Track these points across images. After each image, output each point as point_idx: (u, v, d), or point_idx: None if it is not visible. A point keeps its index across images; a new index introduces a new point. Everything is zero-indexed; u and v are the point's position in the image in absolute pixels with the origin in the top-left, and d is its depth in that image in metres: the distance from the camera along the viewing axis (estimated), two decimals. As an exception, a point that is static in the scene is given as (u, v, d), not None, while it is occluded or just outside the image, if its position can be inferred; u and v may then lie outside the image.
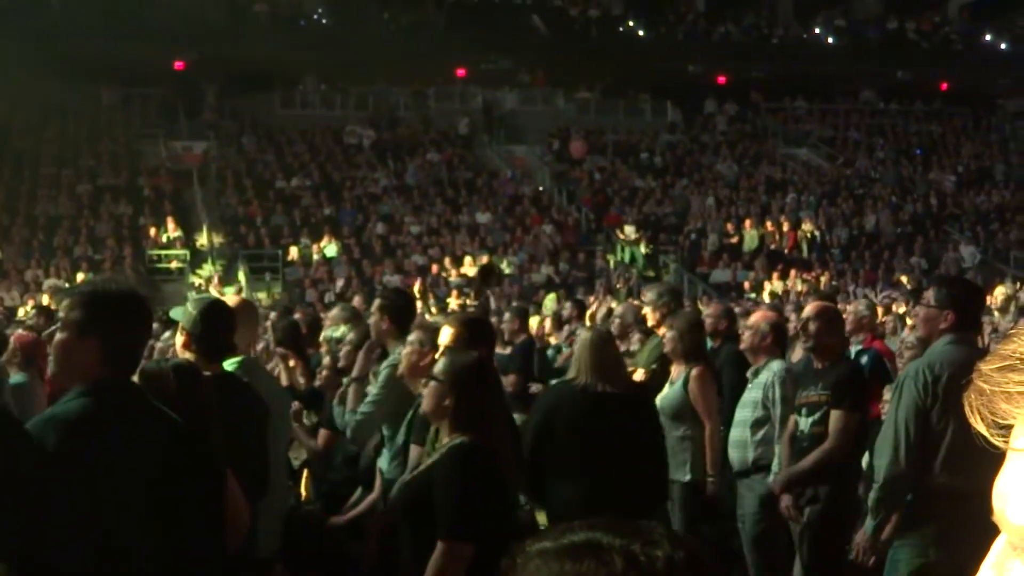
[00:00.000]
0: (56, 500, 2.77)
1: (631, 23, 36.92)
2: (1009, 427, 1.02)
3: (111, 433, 2.96)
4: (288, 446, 5.88)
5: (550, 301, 19.84)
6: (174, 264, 25.47)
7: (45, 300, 18.73)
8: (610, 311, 11.80)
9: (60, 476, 2.82)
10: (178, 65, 32.53)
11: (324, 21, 34.78)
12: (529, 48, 34.74)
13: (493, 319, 9.33)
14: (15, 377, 6.99)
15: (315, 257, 25.46)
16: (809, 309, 6.16)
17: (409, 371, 5.10)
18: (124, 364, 3.10)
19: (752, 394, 6.23)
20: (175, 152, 30.85)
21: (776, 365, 6.19)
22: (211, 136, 31.35)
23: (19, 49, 27.02)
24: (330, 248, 25.77)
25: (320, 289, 23.53)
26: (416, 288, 21.11)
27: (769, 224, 28.39)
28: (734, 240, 27.77)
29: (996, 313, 9.63)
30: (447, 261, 25.34)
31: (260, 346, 8.20)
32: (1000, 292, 9.96)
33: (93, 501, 2.81)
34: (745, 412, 6.23)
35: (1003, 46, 38.00)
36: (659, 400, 6.61)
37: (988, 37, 38.41)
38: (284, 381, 6.89)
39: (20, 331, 8.06)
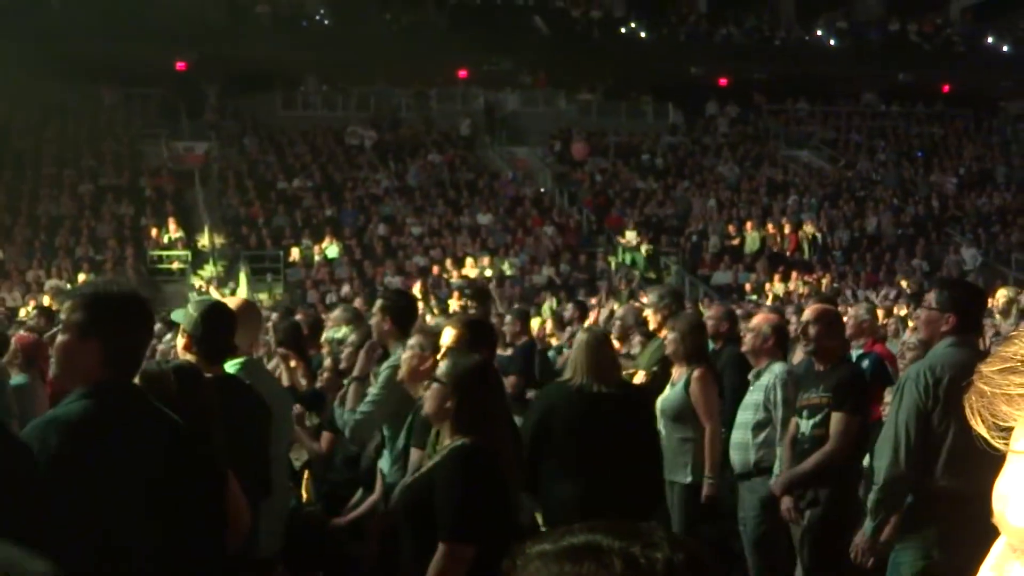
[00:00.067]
0: (57, 501, 2.77)
1: (633, 24, 36.94)
2: (1009, 429, 1.02)
3: (112, 435, 2.96)
4: (289, 447, 5.88)
5: (548, 309, 19.83)
6: (175, 265, 25.48)
7: (46, 301, 18.72)
8: (612, 313, 11.81)
9: (61, 478, 2.83)
10: (180, 65, 32.55)
11: (326, 22, 34.80)
12: (531, 49, 34.75)
13: (494, 320, 9.34)
14: (16, 378, 7.00)
15: (316, 258, 25.47)
16: (809, 312, 6.15)
17: (409, 375, 5.10)
18: (125, 366, 3.11)
19: (754, 396, 6.23)
20: (177, 153, 30.88)
21: (778, 367, 6.19)
22: (213, 137, 31.37)
23: (19, 49, 27.02)
24: (332, 249, 25.78)
25: (321, 290, 23.53)
26: (417, 289, 21.11)
27: (770, 226, 28.39)
28: (735, 242, 27.76)
29: (998, 316, 9.61)
30: (448, 262, 25.35)
31: (262, 349, 8.19)
32: (1002, 295, 9.94)
33: (94, 502, 2.82)
34: (747, 414, 6.23)
35: (1005, 48, 38.00)
36: (660, 402, 6.61)
37: (990, 39, 38.41)
38: (285, 382, 6.90)
39: (21, 332, 8.07)
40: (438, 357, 4.92)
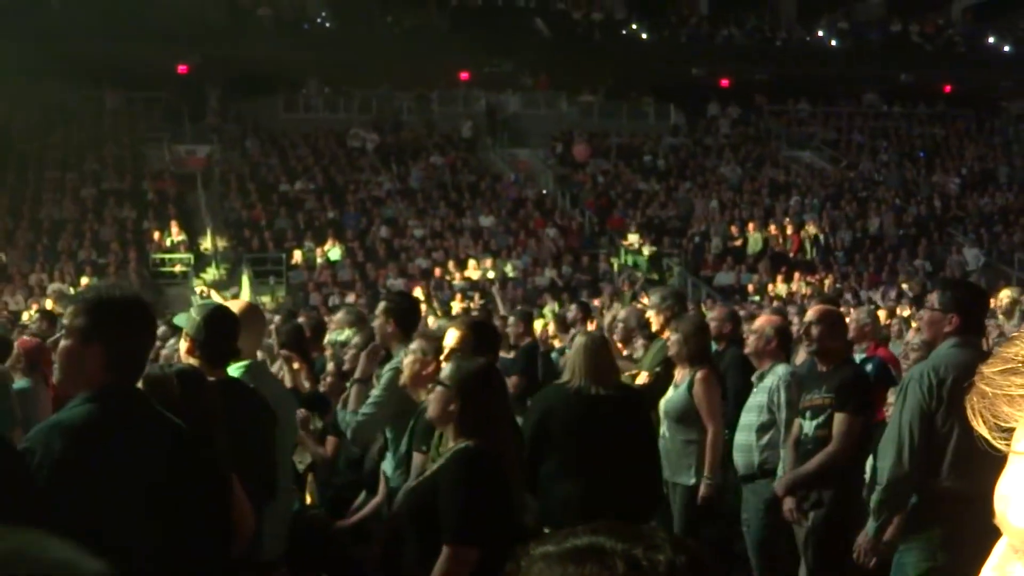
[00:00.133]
0: (60, 506, 2.78)
1: (634, 26, 36.96)
2: (1011, 430, 1.02)
3: (116, 439, 2.97)
4: (293, 450, 5.89)
5: (550, 311, 19.82)
6: (178, 268, 25.49)
7: (49, 305, 18.74)
8: (614, 317, 11.79)
9: (65, 482, 2.83)
10: (181, 69, 32.58)
11: (327, 24, 34.83)
12: (532, 51, 34.76)
13: (497, 322, 9.33)
14: (19, 382, 7.00)
15: (319, 261, 25.48)
16: (811, 313, 6.15)
17: (411, 380, 5.11)
18: (128, 370, 3.11)
19: (757, 398, 6.22)
20: (179, 156, 30.90)
21: (781, 369, 6.19)
22: (215, 140, 31.39)
23: (19, 50, 27.00)
24: (334, 252, 25.79)
25: (324, 292, 23.54)
26: (419, 291, 21.11)
27: (773, 227, 28.39)
28: (738, 243, 27.76)
29: (1001, 316, 9.59)
30: (451, 264, 25.35)
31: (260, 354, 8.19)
32: (1005, 295, 9.91)
33: (97, 507, 2.82)
34: (750, 416, 6.22)
35: (1006, 48, 37.99)
36: (663, 403, 6.61)
37: (991, 39, 38.41)
38: (288, 383, 6.90)
39: (24, 336, 8.07)
40: (441, 359, 4.93)
